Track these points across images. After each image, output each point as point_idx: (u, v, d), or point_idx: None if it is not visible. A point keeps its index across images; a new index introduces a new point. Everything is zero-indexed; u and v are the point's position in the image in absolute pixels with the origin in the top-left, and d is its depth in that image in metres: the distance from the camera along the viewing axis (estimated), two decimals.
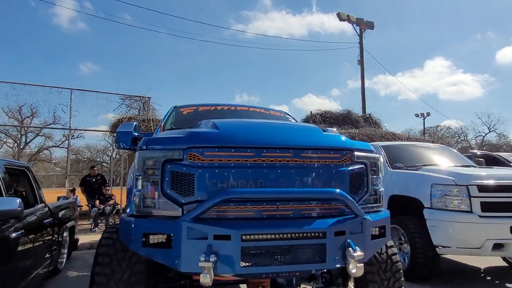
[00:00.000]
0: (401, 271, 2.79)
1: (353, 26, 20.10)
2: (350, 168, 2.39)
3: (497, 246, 3.79)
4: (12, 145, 33.78)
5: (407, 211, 4.57)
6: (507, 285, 4.21)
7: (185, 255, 1.98)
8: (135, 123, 3.53)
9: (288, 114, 4.37)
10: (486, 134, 55.96)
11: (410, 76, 64.35)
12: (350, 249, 2.09)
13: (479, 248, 3.80)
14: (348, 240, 2.14)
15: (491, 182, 3.92)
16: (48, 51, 56.09)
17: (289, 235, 2.05)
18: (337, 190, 2.17)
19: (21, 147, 34.02)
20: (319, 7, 71.29)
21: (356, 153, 2.45)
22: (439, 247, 3.97)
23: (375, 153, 2.63)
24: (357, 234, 2.23)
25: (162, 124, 3.82)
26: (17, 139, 33.15)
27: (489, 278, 4.55)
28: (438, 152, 5.79)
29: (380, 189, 2.59)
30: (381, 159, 2.63)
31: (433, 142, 23.72)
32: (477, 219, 3.81)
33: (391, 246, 2.87)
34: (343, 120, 16.32)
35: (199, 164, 2.14)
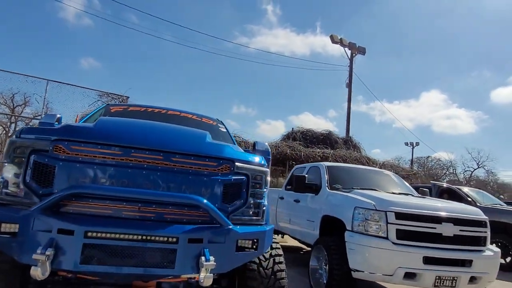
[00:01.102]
0: None
1: (345, 50, 20.41)
2: (227, 178, 2.40)
3: (409, 275, 3.78)
4: (0, 132, 33.64)
5: (335, 232, 4.56)
6: None
7: (27, 246, 1.96)
8: (58, 115, 3.52)
9: (222, 123, 4.38)
10: (475, 169, 56.37)
11: (406, 106, 65.38)
12: (202, 258, 2.08)
13: (391, 275, 3.78)
14: (205, 249, 2.13)
15: (408, 210, 3.93)
16: (51, 43, 56.28)
17: (139, 237, 2.03)
18: (198, 197, 2.17)
19: (9, 134, 33.87)
20: (323, 29, 72.57)
21: (237, 164, 2.46)
22: (354, 271, 3.94)
23: (264, 167, 2.64)
24: (218, 244, 2.22)
25: (85, 119, 3.82)
26: (6, 126, 33.03)
27: None
28: (381, 177, 5.82)
29: (263, 203, 2.59)
30: (268, 173, 2.64)
31: (418, 172, 23.86)
32: (391, 246, 3.80)
33: (279, 262, 2.85)
34: (323, 140, 16.45)
35: (63, 157, 2.14)
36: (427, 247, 3.84)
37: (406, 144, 40.87)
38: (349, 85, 20.06)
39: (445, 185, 9.74)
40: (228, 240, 2.26)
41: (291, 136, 16.57)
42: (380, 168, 14.38)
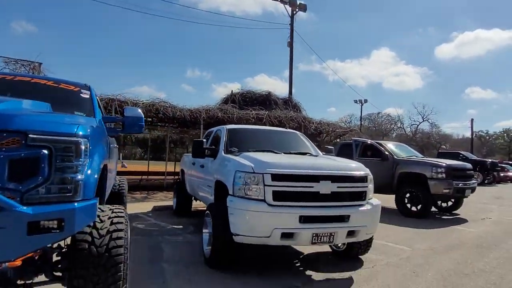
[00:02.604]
0: (121, 266, 2.56)
1: (285, 7, 19.82)
2: (14, 153, 2.07)
3: (286, 235, 3.75)
4: None
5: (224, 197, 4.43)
6: (310, 273, 4.25)
7: None
8: None
9: (88, 89, 3.94)
10: (420, 123, 59.74)
11: (358, 64, 66.82)
12: None
13: (268, 237, 3.73)
14: None
15: (285, 171, 3.84)
16: None
17: None
18: None
19: None
20: None
21: (32, 135, 2.12)
22: (235, 235, 3.86)
23: (75, 137, 2.32)
24: None
25: None
26: None
27: (298, 264, 4.59)
28: (284, 138, 5.74)
29: (77, 177, 2.30)
30: (82, 143, 2.33)
31: (354, 128, 24.63)
32: (266, 208, 3.73)
33: (117, 238, 2.63)
34: (263, 101, 16.25)
35: None
36: (303, 206, 3.81)
37: (355, 101, 42.04)
38: (290, 44, 19.70)
39: (369, 141, 9.98)
40: (12, 223, 1.97)
41: (230, 99, 16.22)
42: (317, 126, 14.59)
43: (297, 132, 6.22)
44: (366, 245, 4.70)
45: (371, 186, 4.35)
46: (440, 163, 8.33)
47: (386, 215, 8.81)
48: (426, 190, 8.20)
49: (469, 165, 8.95)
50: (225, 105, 12.98)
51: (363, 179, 4.20)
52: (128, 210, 8.34)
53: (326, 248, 5.13)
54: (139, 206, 9.24)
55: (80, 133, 2.38)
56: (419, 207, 8.32)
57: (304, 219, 3.78)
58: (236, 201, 3.89)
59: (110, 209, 2.89)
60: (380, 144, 9.58)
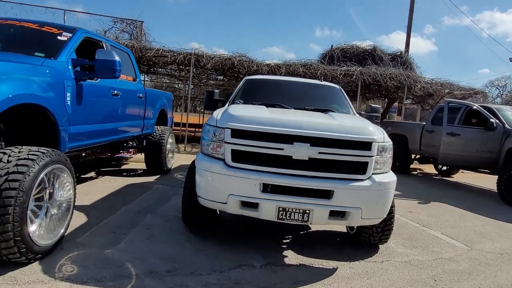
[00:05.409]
0: (9, 208, 2.46)
1: None
2: None
3: (246, 205, 3.10)
4: None
5: None
6: (288, 253, 3.50)
7: None
8: None
9: (71, 32, 3.86)
10: None
11: None
12: None
13: (224, 203, 3.15)
14: None
15: (247, 126, 3.08)
16: None
17: None
18: None
19: None
20: None
21: None
22: (199, 197, 3.39)
23: None
24: None
25: None
26: None
27: (288, 240, 3.83)
28: (308, 92, 4.74)
29: None
30: None
31: (483, 91, 19.75)
32: (222, 170, 3.10)
33: (12, 180, 2.53)
34: (364, 56, 14.42)
35: None
36: (268, 172, 3.04)
37: (511, 60, 33.51)
38: None
39: (475, 106, 7.61)
40: None
41: (328, 54, 14.87)
42: (425, 86, 12.22)
43: (335, 86, 5.05)
44: (381, 232, 3.60)
45: (385, 156, 3.21)
46: None
47: (482, 199, 6.86)
48: None
49: None
50: (311, 60, 11.87)
51: (365, 145, 3.09)
52: (180, 161, 8.60)
53: (342, 228, 4.20)
54: None
55: None
56: None
57: (268, 188, 3.04)
58: (201, 158, 3.37)
59: (30, 151, 2.80)
60: (489, 109, 7.25)
